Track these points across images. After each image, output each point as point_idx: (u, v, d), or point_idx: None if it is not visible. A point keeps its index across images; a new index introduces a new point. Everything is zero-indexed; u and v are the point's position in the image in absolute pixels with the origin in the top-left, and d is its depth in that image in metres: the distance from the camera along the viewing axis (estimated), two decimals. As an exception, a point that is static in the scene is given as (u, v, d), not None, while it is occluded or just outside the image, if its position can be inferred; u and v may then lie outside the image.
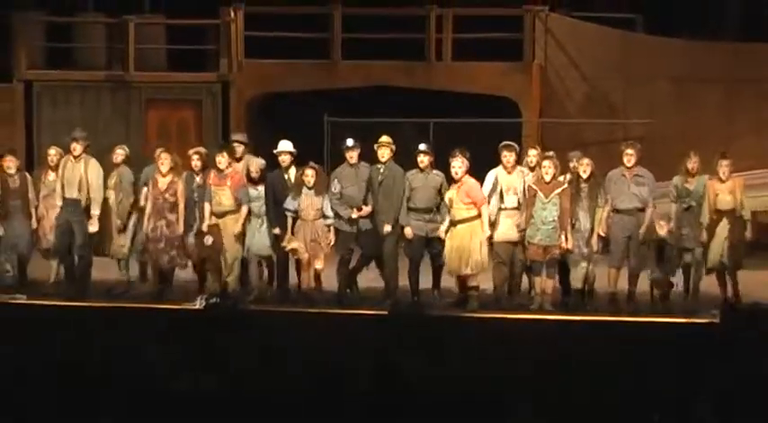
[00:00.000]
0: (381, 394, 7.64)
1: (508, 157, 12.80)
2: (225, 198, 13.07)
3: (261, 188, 13.13)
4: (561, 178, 12.79)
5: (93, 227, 13.30)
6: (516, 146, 13.04)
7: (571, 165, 12.88)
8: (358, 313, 12.12)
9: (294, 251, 12.90)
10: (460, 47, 18.54)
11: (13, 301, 12.50)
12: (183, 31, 19.10)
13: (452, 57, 18.62)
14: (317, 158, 14.60)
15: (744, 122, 17.39)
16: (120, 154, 13.71)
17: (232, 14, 18.40)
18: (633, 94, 17.90)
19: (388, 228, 12.89)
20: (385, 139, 13.18)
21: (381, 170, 13.06)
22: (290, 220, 12.87)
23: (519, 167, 12.96)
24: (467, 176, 12.69)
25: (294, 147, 13.84)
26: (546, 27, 18.38)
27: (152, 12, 19.30)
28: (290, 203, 12.88)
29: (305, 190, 12.86)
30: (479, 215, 12.58)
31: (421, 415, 7.38)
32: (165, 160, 13.16)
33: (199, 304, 11.99)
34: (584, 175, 12.73)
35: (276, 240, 13.04)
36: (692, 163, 13.04)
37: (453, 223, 12.66)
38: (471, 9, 18.26)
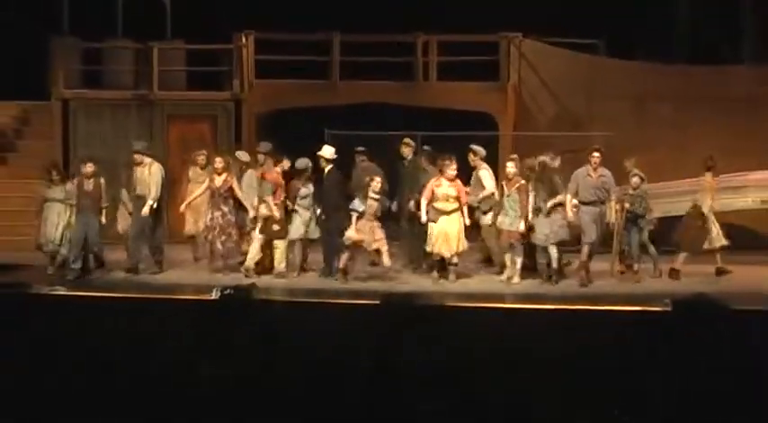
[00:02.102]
0: (378, 380, 7.64)
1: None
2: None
3: (310, 186, 14.19)
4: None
5: (146, 212, 14.32)
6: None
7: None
8: (357, 303, 12.17)
9: (357, 243, 13.66)
10: (444, 69, 18.62)
11: (54, 293, 12.54)
12: (201, 55, 19.15)
13: (437, 77, 18.69)
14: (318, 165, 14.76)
15: (692, 135, 17.47)
16: (201, 160, 15.31)
17: (244, 40, 18.45)
18: (596, 110, 17.96)
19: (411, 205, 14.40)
20: (407, 139, 15.14)
21: (405, 164, 15.00)
22: (354, 218, 13.55)
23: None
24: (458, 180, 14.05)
25: (298, 156, 14.45)
26: (519, 51, 18.44)
27: (173, 38, 19.35)
28: (357, 205, 13.50)
29: (371, 193, 13.38)
30: (459, 209, 13.83)
31: (413, 401, 7.38)
32: (219, 162, 14.32)
33: (214, 295, 12.02)
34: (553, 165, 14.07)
35: (326, 228, 14.10)
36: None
37: (445, 213, 13.73)
38: (453, 36, 18.31)
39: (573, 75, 18.27)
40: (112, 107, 18.42)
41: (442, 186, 13.80)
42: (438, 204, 13.81)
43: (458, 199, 13.84)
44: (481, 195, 14.29)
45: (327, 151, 14.38)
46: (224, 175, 14.28)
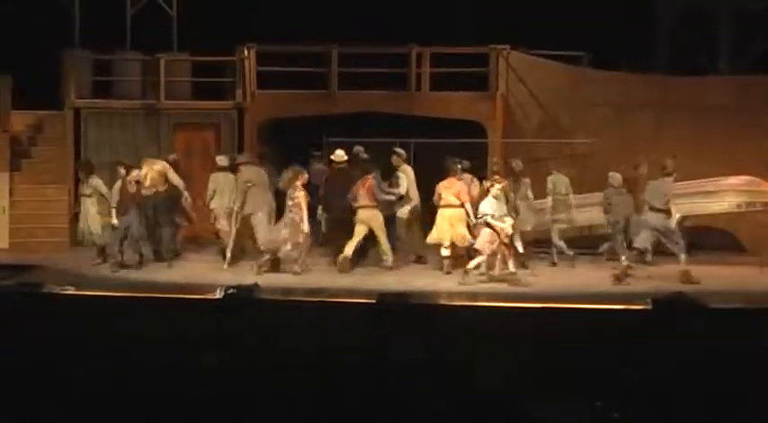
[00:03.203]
0: (370, 368, 7.59)
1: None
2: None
3: None
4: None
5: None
6: None
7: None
8: (352, 302, 12.12)
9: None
10: (437, 79, 18.56)
11: (63, 292, 12.47)
12: (205, 67, 19.09)
13: (430, 87, 18.62)
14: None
15: (670, 142, 17.45)
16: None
17: (246, 53, 18.39)
18: (579, 118, 17.91)
19: None
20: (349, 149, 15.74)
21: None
22: (488, 221, 13.97)
23: None
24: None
25: (298, 163, 14.81)
26: (508, 63, 18.39)
27: (179, 51, 19.31)
28: (488, 209, 14.01)
29: (491, 197, 14.00)
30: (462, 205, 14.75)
31: (408, 396, 7.33)
32: (302, 175, 14.93)
33: (219, 294, 11.97)
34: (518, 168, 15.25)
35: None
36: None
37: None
38: (445, 48, 18.26)
39: (557, 85, 18.21)
40: (121, 116, 18.35)
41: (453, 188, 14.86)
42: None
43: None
44: (392, 196, 15.08)
45: (338, 155, 15.36)
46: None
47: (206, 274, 14.60)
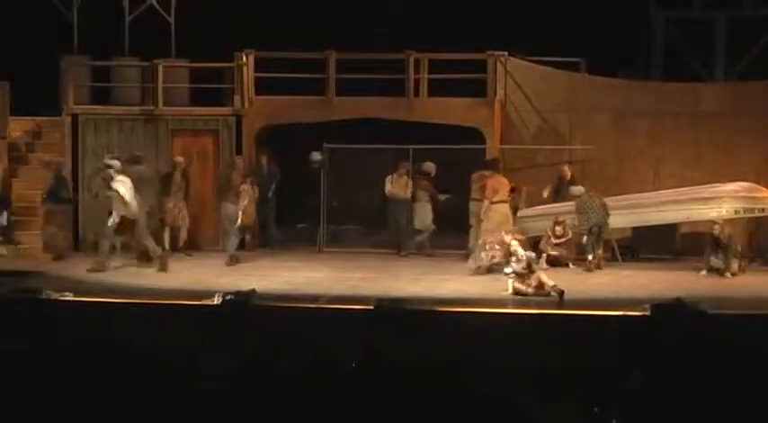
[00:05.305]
0: (367, 374, 7.56)
1: None
2: None
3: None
4: None
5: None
6: None
7: None
8: (349, 307, 12.08)
9: None
10: (435, 85, 18.54)
11: (62, 298, 12.43)
12: (203, 73, 19.06)
13: (428, 93, 18.59)
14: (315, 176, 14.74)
15: (666, 148, 17.48)
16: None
17: (244, 58, 18.36)
18: (577, 124, 17.91)
19: None
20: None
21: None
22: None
23: None
24: None
25: (296, 166, 14.79)
26: (505, 69, 18.37)
27: (177, 56, 19.27)
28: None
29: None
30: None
31: (399, 390, 7.30)
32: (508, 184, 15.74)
33: (217, 300, 11.94)
34: None
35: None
36: None
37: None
38: (443, 54, 18.24)
39: (555, 91, 18.20)
40: (119, 121, 18.31)
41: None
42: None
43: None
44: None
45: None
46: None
47: (204, 279, 14.55)
